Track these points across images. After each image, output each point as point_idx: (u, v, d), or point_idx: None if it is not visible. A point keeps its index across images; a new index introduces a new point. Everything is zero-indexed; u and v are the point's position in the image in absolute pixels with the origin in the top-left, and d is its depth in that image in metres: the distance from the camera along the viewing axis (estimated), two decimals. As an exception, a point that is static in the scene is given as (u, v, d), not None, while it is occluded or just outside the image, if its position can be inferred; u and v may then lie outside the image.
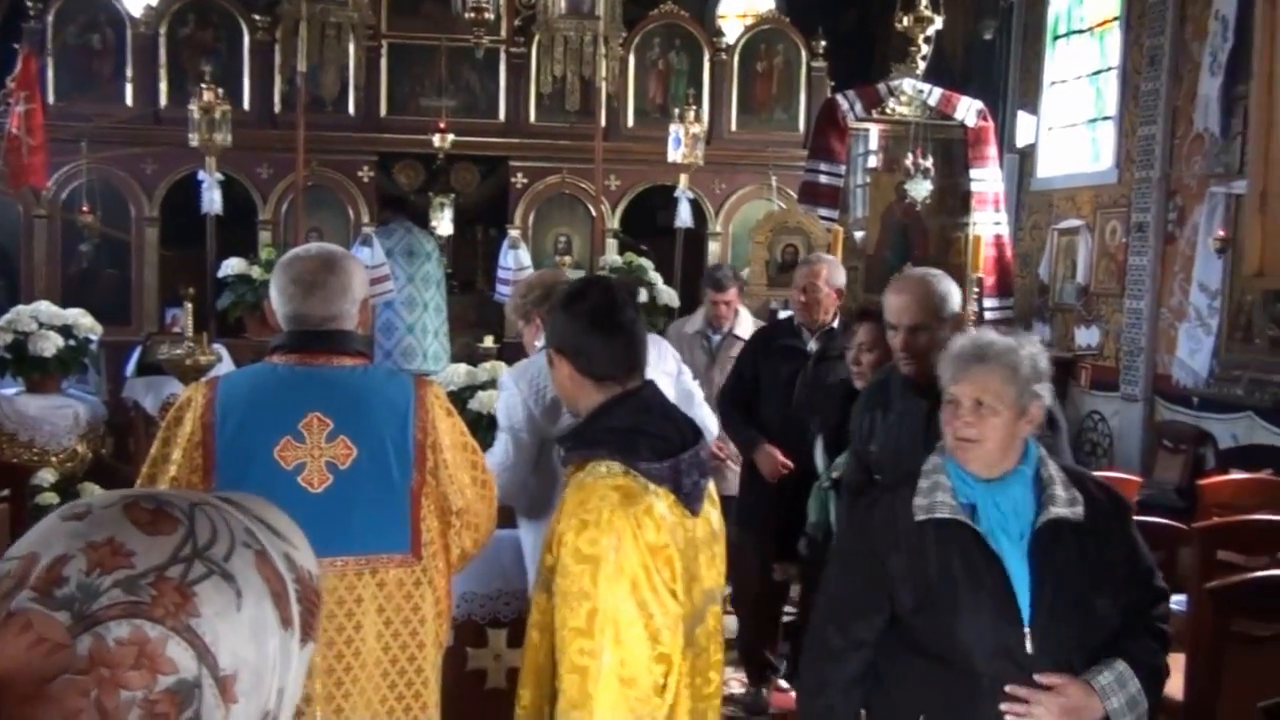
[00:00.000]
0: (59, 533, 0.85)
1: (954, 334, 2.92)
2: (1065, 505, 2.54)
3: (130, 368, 7.83)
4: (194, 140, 8.50)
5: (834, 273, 5.57)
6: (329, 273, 2.72)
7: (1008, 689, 2.45)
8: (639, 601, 2.04)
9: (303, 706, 2.58)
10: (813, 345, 5.46)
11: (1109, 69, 8.94)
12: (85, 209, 9.20)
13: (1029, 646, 2.46)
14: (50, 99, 9.07)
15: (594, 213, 10.01)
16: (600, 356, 2.23)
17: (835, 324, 5.45)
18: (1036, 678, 2.44)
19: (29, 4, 9.23)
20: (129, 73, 9.65)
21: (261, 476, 2.57)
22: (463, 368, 5.08)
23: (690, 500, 2.19)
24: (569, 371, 2.26)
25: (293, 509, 2.57)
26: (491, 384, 4.99)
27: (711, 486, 2.35)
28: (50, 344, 6.95)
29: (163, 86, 9.75)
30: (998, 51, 10.24)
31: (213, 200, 8.54)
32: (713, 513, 2.34)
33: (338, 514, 2.60)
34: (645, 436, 2.16)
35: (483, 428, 4.87)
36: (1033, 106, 9.89)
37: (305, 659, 0.96)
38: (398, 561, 2.68)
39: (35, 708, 0.79)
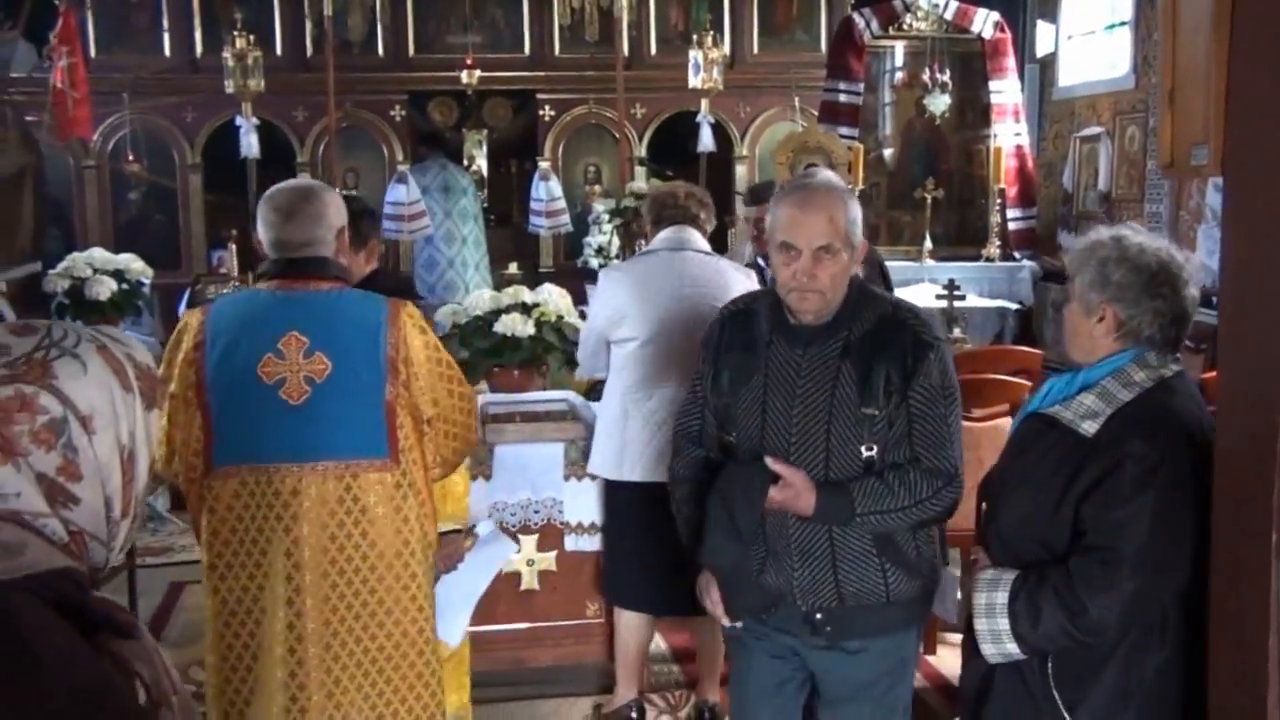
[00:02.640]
0: None
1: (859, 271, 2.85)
2: None
3: (182, 308, 8.20)
4: (229, 87, 8.81)
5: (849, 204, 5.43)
6: (305, 201, 2.98)
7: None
8: None
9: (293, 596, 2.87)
10: None
11: (1126, -26, 8.98)
12: (131, 158, 9.58)
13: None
14: (91, 52, 9.40)
15: (620, 141, 10.22)
16: None
17: None
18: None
19: (66, -40, 9.54)
20: (165, 23, 9.96)
21: (246, 390, 2.85)
22: (487, 293, 5.35)
23: None
24: None
25: (276, 419, 2.90)
26: (516, 308, 5.26)
27: None
28: (105, 288, 7.32)
29: (198, 35, 10.06)
30: (1017, -39, 10.27)
31: (251, 145, 8.85)
32: None
33: (317, 423, 2.85)
34: None
35: (508, 350, 5.17)
36: (1052, 15, 9.93)
37: (153, 420, 1.41)
38: (377, 466, 2.92)
39: None
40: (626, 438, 4.16)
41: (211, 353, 2.88)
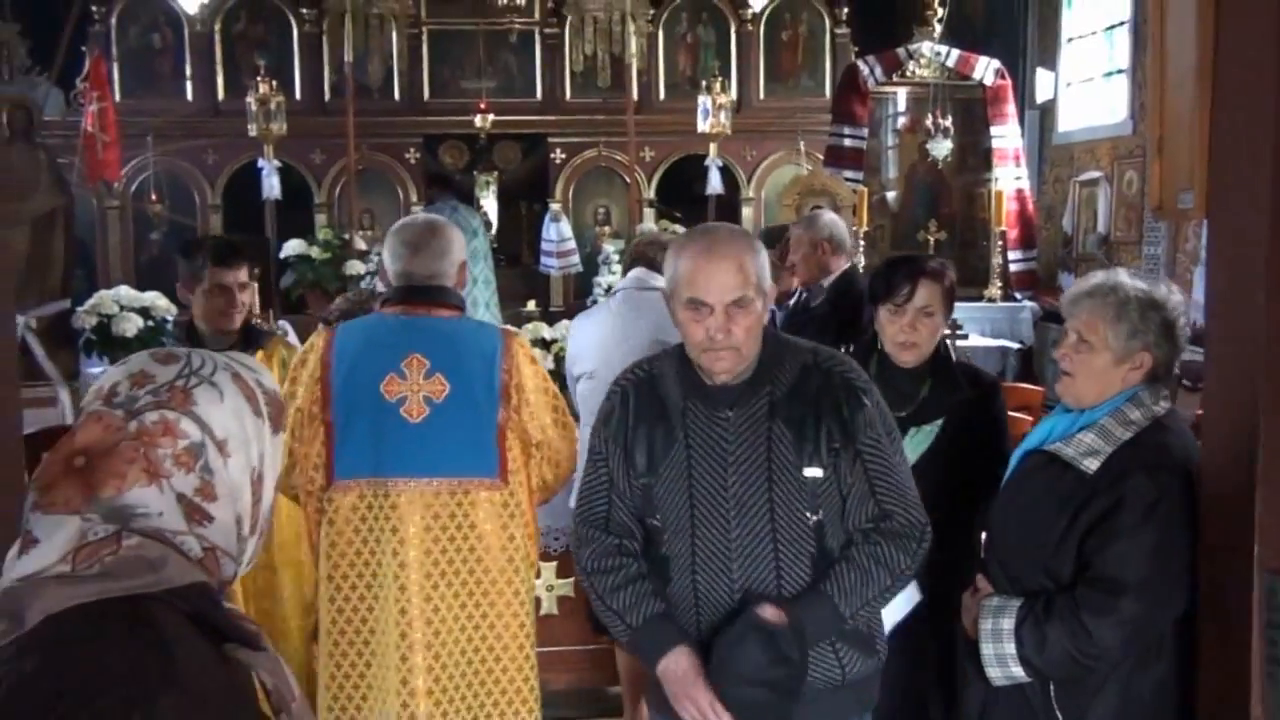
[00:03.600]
0: (112, 372, 1.42)
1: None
2: None
3: (203, 345, 8.39)
4: (253, 130, 9.07)
5: (834, 230, 5.19)
6: (432, 236, 3.17)
7: None
8: None
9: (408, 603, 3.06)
10: (815, 304, 5.20)
11: (1122, 23, 9.24)
12: (154, 199, 9.82)
13: None
14: (117, 97, 9.66)
15: (630, 183, 10.47)
16: None
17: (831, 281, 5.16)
18: None
19: (93, 8, 9.82)
20: (188, 70, 10.26)
21: (369, 407, 3.04)
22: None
23: None
24: None
25: (395, 435, 3.16)
26: (535, 343, 5.47)
27: None
28: (131, 325, 7.52)
29: (220, 81, 10.36)
30: (1016, 10, 10.54)
31: (273, 186, 9.11)
32: None
33: (434, 441, 3.03)
34: None
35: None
36: (1051, 63, 10.19)
37: (279, 443, 1.51)
38: (487, 485, 3.09)
39: (109, 460, 1.33)
40: None
41: (338, 371, 3.07)
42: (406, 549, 3.02)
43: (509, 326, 3.30)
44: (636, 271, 4.46)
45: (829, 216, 5.36)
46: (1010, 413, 5.45)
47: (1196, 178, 2.31)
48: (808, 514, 2.41)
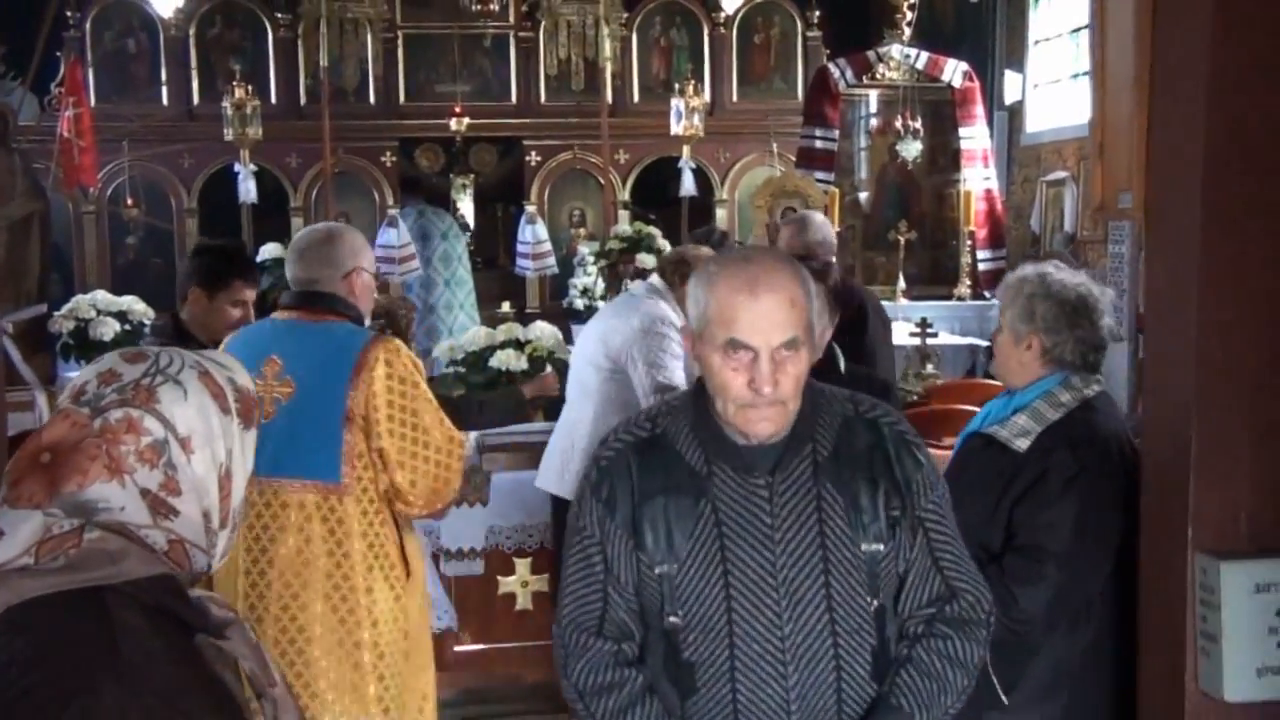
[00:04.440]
0: (85, 371, 1.48)
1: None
2: None
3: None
4: (229, 135, 9.13)
5: (821, 232, 5.04)
6: (320, 244, 3.26)
7: None
8: None
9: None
10: None
11: (1087, 26, 9.38)
12: (130, 203, 9.87)
13: None
14: (92, 102, 9.69)
15: (604, 186, 10.56)
16: None
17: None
18: None
19: (68, 13, 9.85)
20: (163, 74, 10.30)
21: None
22: (483, 330, 5.65)
23: None
24: None
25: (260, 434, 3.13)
26: (509, 344, 5.55)
27: None
28: (109, 329, 7.56)
29: (195, 85, 10.41)
30: (985, 13, 10.68)
31: (249, 190, 9.17)
32: None
33: (280, 441, 3.02)
34: None
35: (502, 383, 5.45)
36: (1019, 64, 10.34)
37: (250, 439, 1.56)
38: (321, 488, 3.08)
39: (73, 456, 1.38)
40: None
41: None
42: (261, 547, 3.11)
43: (389, 337, 3.13)
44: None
45: (818, 219, 5.29)
46: (977, 408, 5.62)
47: (1135, 180, 2.42)
48: (868, 598, 2.00)
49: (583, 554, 2.08)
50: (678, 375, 4.26)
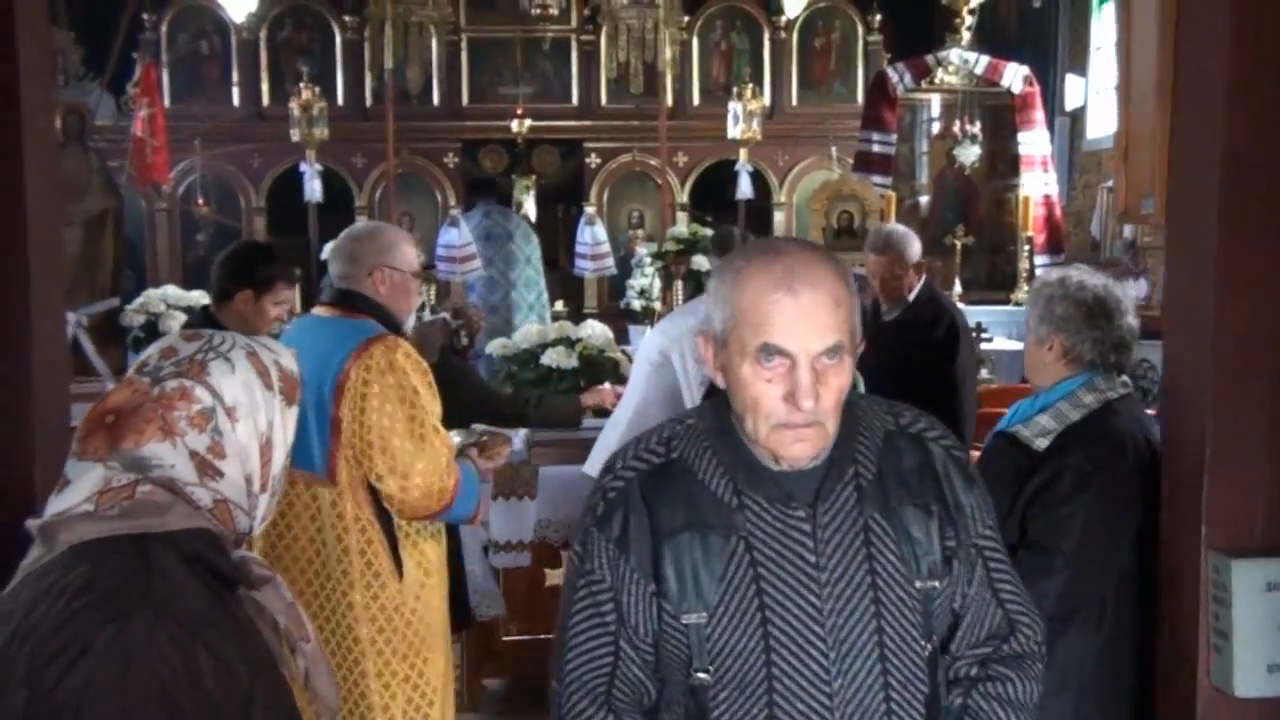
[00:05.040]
0: (151, 347, 1.66)
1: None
2: None
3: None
4: (295, 135, 9.35)
5: (906, 249, 4.87)
6: (349, 241, 3.37)
7: None
8: None
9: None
10: (890, 317, 4.92)
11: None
12: (201, 201, 10.16)
13: None
14: (166, 103, 9.99)
15: (662, 187, 10.66)
16: None
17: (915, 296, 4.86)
18: None
19: (144, 16, 10.16)
20: (235, 76, 10.59)
21: None
22: (535, 328, 5.78)
23: None
24: None
25: None
26: (561, 342, 5.67)
27: None
28: (178, 323, 7.79)
29: (264, 87, 10.68)
30: (1048, 17, 10.63)
31: (314, 190, 9.38)
32: None
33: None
34: None
35: (554, 380, 5.58)
36: (1081, 69, 10.28)
37: (291, 415, 1.72)
38: (319, 481, 3.15)
39: (133, 418, 1.56)
40: None
41: None
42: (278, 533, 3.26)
43: (392, 341, 3.17)
44: None
45: (901, 230, 5.06)
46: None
47: (1157, 185, 2.47)
48: (922, 642, 1.75)
49: (591, 602, 1.77)
50: None
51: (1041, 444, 2.69)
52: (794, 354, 1.64)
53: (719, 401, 1.80)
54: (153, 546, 1.49)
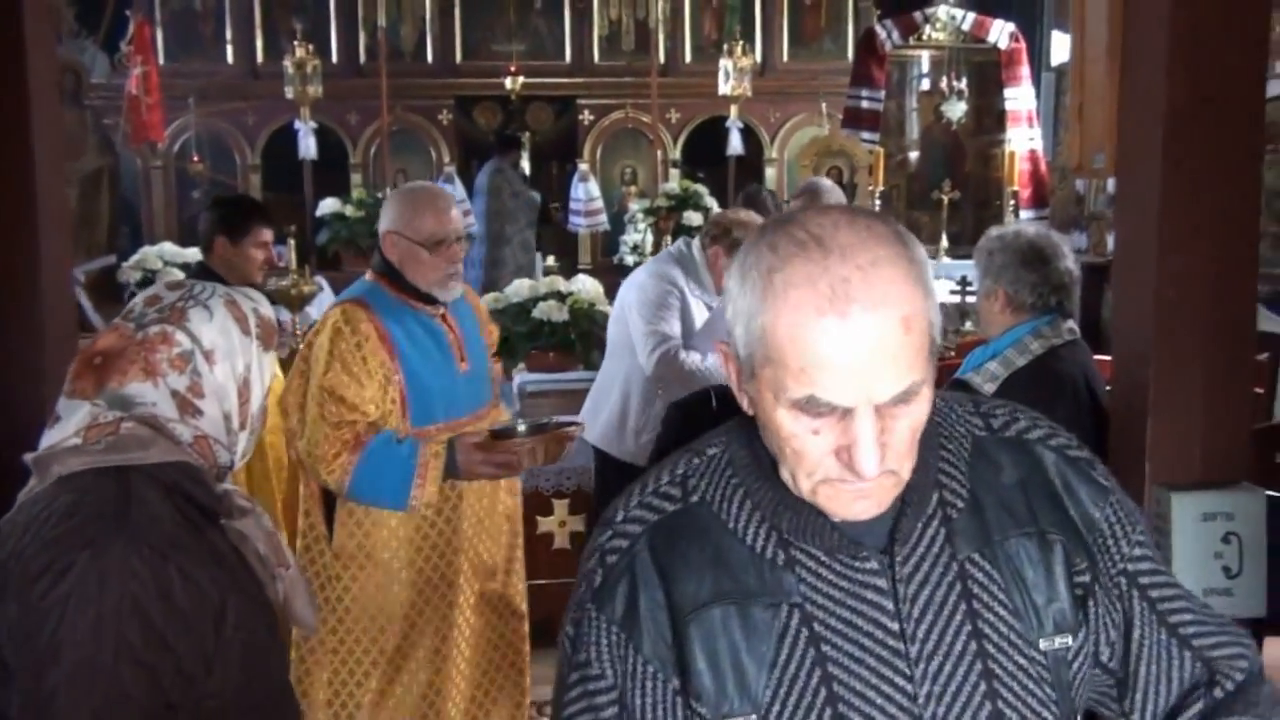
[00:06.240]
0: (137, 297, 1.79)
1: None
2: None
3: (243, 299, 8.79)
4: (290, 93, 9.44)
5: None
6: (384, 203, 3.43)
7: None
8: None
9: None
10: None
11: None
12: (195, 159, 10.24)
13: None
14: (160, 61, 10.05)
15: (655, 144, 10.76)
16: None
17: None
18: None
19: (137, -27, 10.21)
20: (228, 34, 10.64)
21: None
22: (526, 282, 5.91)
23: None
24: None
25: None
26: (553, 296, 5.81)
27: None
28: (175, 279, 7.93)
29: (258, 44, 10.73)
30: (1035, -26, 10.70)
31: (309, 147, 9.48)
32: None
33: None
34: None
35: (544, 334, 5.72)
36: (1067, 25, 10.33)
37: (268, 359, 1.84)
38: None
39: (118, 360, 1.69)
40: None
41: None
42: None
43: (343, 309, 3.12)
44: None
45: (829, 185, 5.22)
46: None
47: (1107, 140, 2.61)
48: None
49: (588, 705, 1.30)
50: (672, 326, 4.24)
51: (989, 389, 2.83)
52: (851, 408, 1.15)
53: (747, 420, 1.30)
54: (134, 477, 1.63)
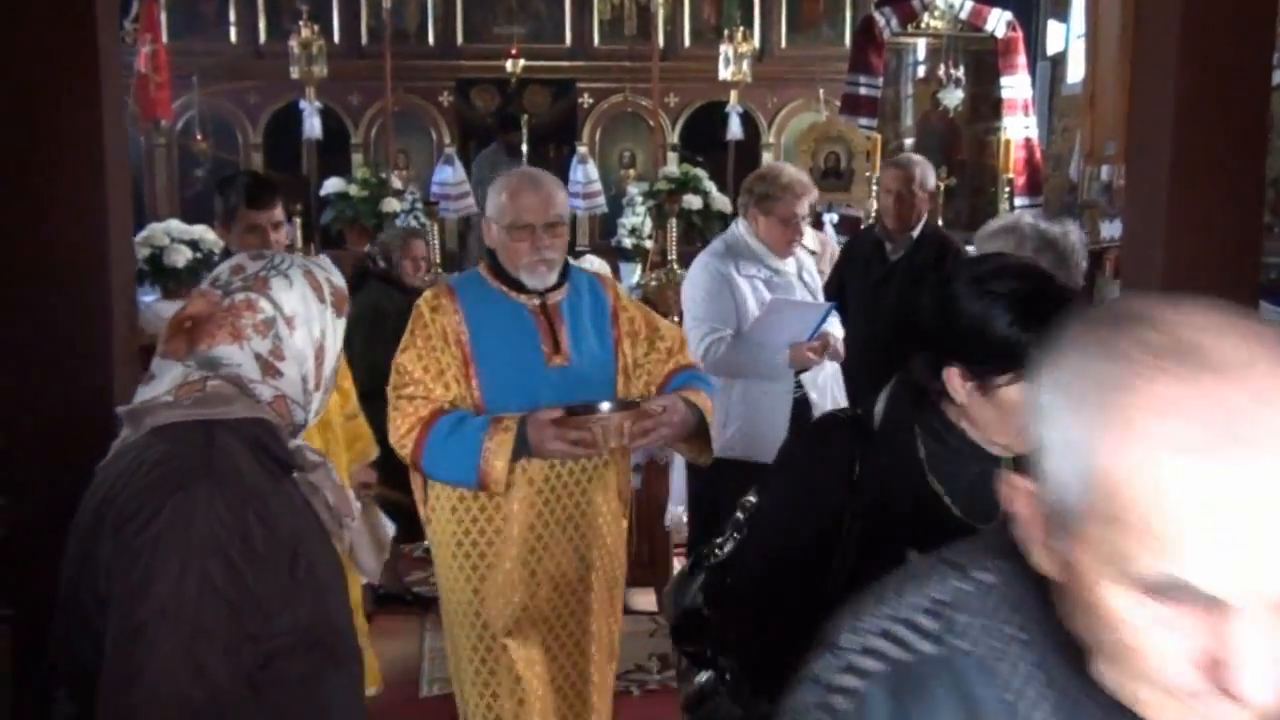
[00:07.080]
0: (222, 265, 1.94)
1: None
2: None
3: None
4: (295, 73, 9.50)
5: (926, 174, 5.14)
6: None
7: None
8: None
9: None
10: (897, 256, 4.98)
11: (1131, -21, 9.54)
12: (199, 138, 10.31)
13: None
14: (165, 39, 10.11)
15: (654, 128, 10.87)
16: None
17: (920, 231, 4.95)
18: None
19: (141, -48, 10.26)
20: (232, 14, 10.73)
21: None
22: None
23: None
24: None
25: None
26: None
27: None
28: (181, 256, 7.97)
29: (262, 24, 10.80)
30: (1032, -37, 10.83)
31: (313, 127, 9.55)
32: None
33: None
34: None
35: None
36: (1063, 15, 10.49)
37: (340, 325, 1.97)
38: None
39: (207, 325, 1.83)
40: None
41: None
42: None
43: (447, 286, 3.29)
44: None
45: (923, 159, 5.25)
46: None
47: (1119, 130, 2.73)
48: None
49: None
50: (722, 318, 4.23)
51: None
52: (1233, 603, 0.81)
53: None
54: (218, 430, 1.76)
